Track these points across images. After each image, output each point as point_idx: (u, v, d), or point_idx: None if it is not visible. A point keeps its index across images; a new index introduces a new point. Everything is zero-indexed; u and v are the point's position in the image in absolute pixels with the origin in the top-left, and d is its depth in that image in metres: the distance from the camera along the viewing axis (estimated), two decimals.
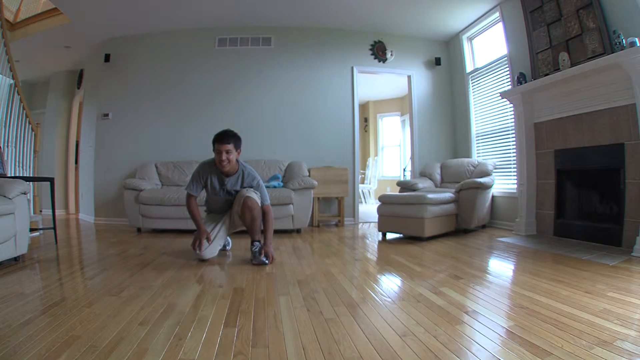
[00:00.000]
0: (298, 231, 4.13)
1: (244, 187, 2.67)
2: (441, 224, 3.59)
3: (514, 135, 4.02)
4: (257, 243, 2.58)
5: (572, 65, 3.16)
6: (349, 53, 5.08)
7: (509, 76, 4.16)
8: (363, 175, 8.04)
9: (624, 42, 2.68)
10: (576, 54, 3.18)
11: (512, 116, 4.01)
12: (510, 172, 4.20)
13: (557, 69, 3.33)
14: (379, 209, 3.75)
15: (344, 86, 5.06)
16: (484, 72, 4.66)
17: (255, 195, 2.60)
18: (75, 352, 1.15)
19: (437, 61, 5.26)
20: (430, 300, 1.71)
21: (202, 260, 2.60)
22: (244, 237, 3.12)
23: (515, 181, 4.01)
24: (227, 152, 2.51)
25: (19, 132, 4.02)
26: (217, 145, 2.53)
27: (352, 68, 5.07)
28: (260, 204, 2.61)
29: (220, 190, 2.68)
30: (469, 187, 3.79)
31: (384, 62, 5.14)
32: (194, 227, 2.75)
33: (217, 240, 2.67)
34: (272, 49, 5.00)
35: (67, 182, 6.42)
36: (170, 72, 4.95)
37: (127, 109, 4.91)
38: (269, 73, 4.98)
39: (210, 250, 2.63)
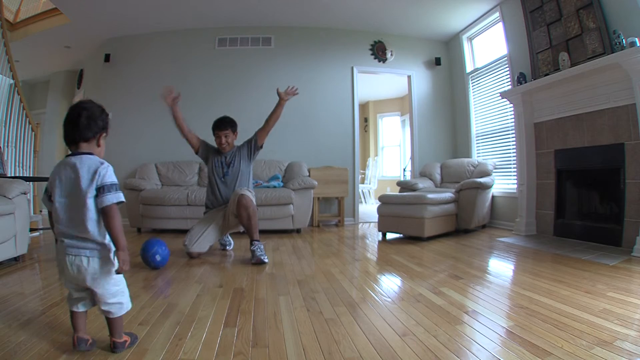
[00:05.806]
0: (298, 231, 4.13)
1: (241, 166, 2.81)
2: (441, 224, 3.59)
3: (514, 135, 4.01)
4: (257, 242, 2.58)
5: (572, 65, 3.16)
6: (349, 53, 5.07)
7: (509, 76, 4.16)
8: (363, 175, 8.03)
9: (624, 42, 2.68)
10: (576, 54, 3.18)
11: (512, 116, 4.01)
12: (510, 172, 4.20)
13: (557, 69, 3.33)
14: (379, 209, 3.75)
15: (344, 86, 5.06)
16: (484, 72, 4.66)
17: (249, 194, 2.65)
18: (75, 352, 1.15)
19: (437, 61, 5.26)
20: (430, 300, 1.71)
21: (192, 257, 2.67)
22: (244, 237, 3.12)
23: (515, 181, 4.00)
24: (226, 136, 2.80)
25: (19, 132, 4.02)
26: (216, 132, 2.81)
27: (352, 68, 5.07)
28: (255, 202, 2.66)
29: (221, 164, 2.81)
30: (469, 187, 3.79)
31: (384, 62, 5.14)
32: None
33: (206, 237, 2.71)
34: (272, 49, 5.00)
35: None
36: (170, 72, 4.95)
37: (127, 109, 4.90)
38: (269, 73, 4.97)
39: (199, 245, 2.67)
